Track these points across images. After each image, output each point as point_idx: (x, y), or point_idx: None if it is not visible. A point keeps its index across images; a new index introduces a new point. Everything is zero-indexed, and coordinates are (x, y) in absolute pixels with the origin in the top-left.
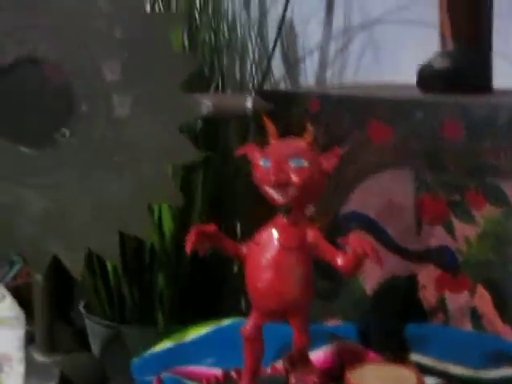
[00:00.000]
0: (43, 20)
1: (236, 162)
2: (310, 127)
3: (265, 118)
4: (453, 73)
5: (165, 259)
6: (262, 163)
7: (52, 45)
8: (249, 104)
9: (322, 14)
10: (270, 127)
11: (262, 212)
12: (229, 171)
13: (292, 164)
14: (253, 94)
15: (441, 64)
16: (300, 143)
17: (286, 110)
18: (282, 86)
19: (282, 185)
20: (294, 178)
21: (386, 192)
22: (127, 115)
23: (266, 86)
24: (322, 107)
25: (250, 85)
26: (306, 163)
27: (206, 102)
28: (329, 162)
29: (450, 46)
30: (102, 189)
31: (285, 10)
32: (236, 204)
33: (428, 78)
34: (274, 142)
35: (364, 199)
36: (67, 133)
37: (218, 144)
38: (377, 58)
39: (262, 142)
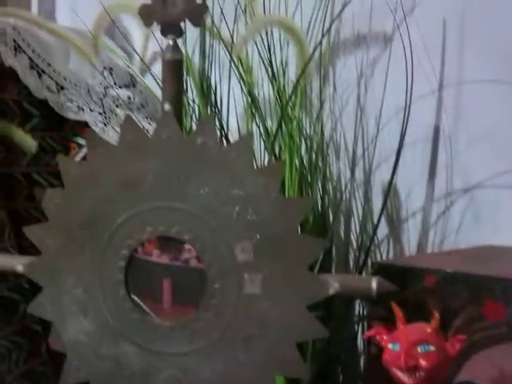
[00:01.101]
0: (179, 204)
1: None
2: (436, 314)
3: (393, 305)
4: None
5: None
6: (391, 347)
7: (186, 227)
8: (374, 286)
9: (425, 179)
10: (397, 312)
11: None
12: (338, 337)
13: (420, 349)
14: (376, 278)
15: None
16: (427, 328)
17: (402, 282)
18: (385, 246)
19: (410, 369)
20: (423, 363)
21: (497, 364)
22: (257, 292)
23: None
24: (438, 282)
25: (355, 243)
26: (433, 348)
27: (333, 282)
28: (454, 347)
29: None
30: (230, 359)
31: (392, 176)
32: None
33: None
34: (401, 326)
35: (476, 370)
36: None
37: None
38: (478, 221)
39: (381, 316)
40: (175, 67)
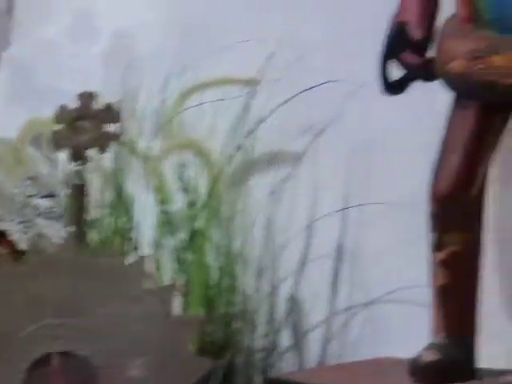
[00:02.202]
0: (79, 321)
1: None
2: None
3: None
4: (440, 364)
5: None
6: None
7: (84, 343)
8: None
9: (327, 293)
10: None
11: None
12: None
13: None
14: None
15: (429, 356)
16: None
17: None
18: (289, 357)
19: None
20: None
21: None
22: None
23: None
24: None
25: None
26: None
27: None
28: None
29: (439, 336)
30: None
31: (296, 290)
32: None
33: (418, 369)
34: None
35: None
36: None
37: None
38: (377, 334)
39: None
40: (78, 192)
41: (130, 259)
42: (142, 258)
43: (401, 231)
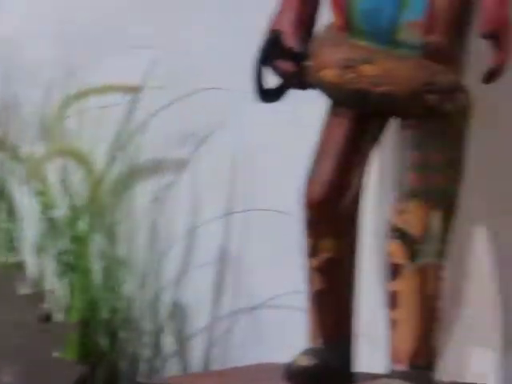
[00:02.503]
0: None
1: None
2: None
3: None
4: (316, 369)
5: None
6: None
7: None
8: None
9: (211, 298)
10: None
11: None
12: None
13: None
14: None
15: (305, 361)
16: None
17: None
18: (173, 362)
19: None
20: None
21: None
22: None
23: (158, 361)
24: None
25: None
26: None
27: None
28: None
29: (315, 342)
30: None
31: (178, 295)
32: None
33: (293, 374)
34: None
35: None
36: None
37: None
38: (259, 339)
39: None
40: None
41: (9, 264)
42: (20, 263)
43: (283, 238)
